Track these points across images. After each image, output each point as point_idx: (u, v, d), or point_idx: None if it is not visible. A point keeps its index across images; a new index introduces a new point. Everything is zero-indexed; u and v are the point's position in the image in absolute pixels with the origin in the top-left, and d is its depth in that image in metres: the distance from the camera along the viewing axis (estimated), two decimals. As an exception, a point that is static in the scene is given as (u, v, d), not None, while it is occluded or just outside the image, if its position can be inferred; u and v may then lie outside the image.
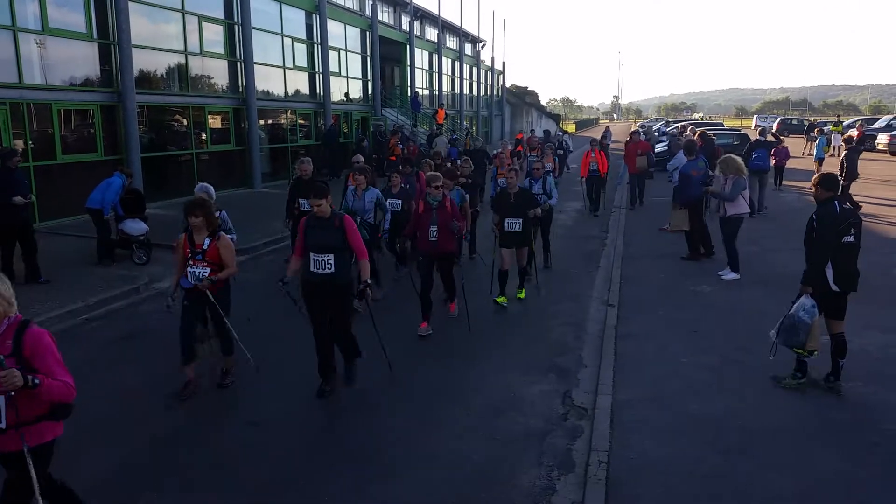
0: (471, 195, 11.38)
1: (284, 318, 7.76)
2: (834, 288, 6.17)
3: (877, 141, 33.61)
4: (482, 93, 52.75)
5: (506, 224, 8.95)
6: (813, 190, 6.40)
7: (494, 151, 19.38)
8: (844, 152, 16.02)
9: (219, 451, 5.40)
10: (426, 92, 39.57)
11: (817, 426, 5.63)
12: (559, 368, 7.07)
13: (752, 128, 55.07)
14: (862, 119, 46.96)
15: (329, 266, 6.05)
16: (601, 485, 4.80)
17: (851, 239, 6.15)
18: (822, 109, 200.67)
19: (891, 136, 33.44)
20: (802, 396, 6.18)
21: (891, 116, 45.60)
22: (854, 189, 17.53)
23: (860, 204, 15.80)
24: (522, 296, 9.53)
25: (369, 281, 6.15)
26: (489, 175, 15.10)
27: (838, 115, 47.90)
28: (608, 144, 26.36)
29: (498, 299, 9.15)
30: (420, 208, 8.04)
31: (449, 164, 13.13)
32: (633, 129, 20.23)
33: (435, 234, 7.88)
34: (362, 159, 11.50)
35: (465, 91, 48.01)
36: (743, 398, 6.18)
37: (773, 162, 18.21)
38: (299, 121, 25.48)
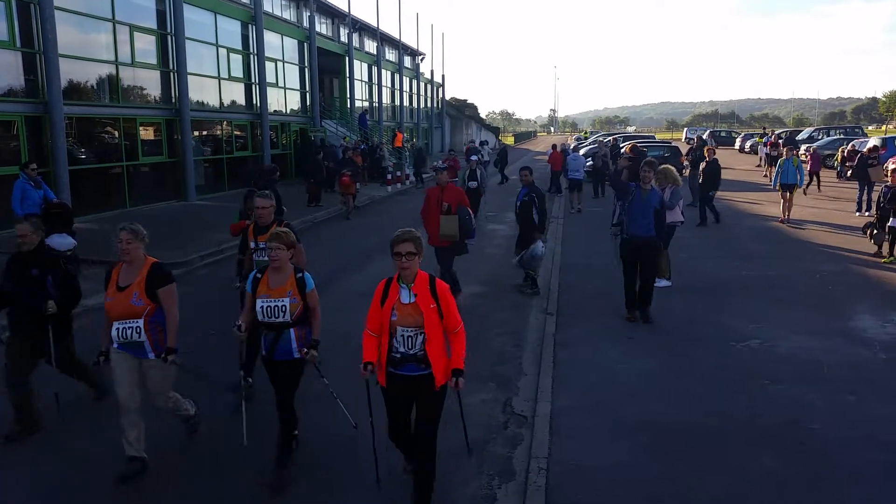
0: None
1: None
2: None
3: (800, 152, 35.00)
4: (422, 105, 52.99)
5: None
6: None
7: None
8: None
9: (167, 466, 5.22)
10: (366, 104, 39.49)
11: (750, 428, 5.79)
12: (499, 377, 7.11)
13: (683, 140, 56.90)
14: (787, 131, 48.95)
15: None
16: (541, 492, 4.83)
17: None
18: (750, 122, 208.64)
19: (813, 147, 34.88)
20: (736, 400, 6.37)
21: (812, 129, 47.70)
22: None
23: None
24: None
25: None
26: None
27: (764, 128, 49.90)
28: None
29: None
30: None
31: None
32: (443, 160, 13.36)
33: None
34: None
35: (405, 103, 48.12)
36: (678, 403, 6.33)
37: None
38: (235, 132, 25.06)
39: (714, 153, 17.48)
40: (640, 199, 8.51)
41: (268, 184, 11.72)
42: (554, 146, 24.52)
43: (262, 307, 4.93)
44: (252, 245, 6.69)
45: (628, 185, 8.85)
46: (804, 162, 21.47)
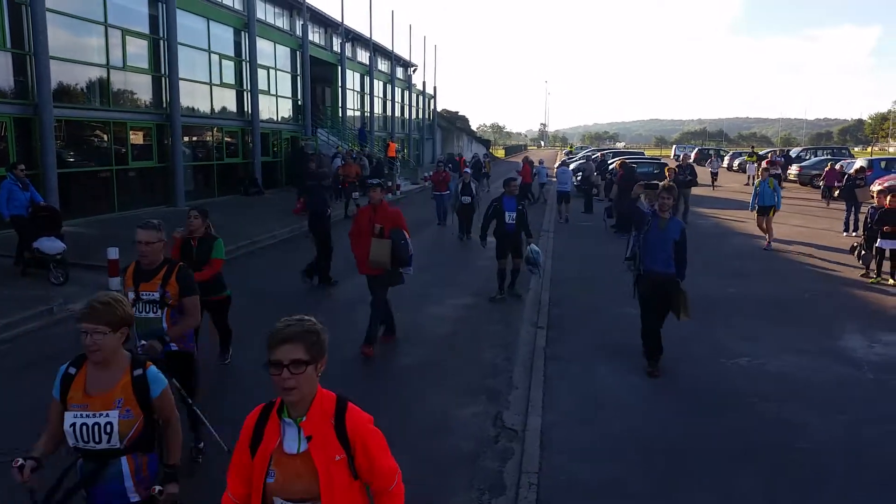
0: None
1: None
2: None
3: (788, 171, 35.40)
4: (413, 116, 53.07)
5: None
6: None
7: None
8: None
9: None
10: (357, 114, 39.51)
11: (738, 445, 5.79)
12: (490, 390, 7.08)
13: (672, 157, 57.30)
14: (773, 150, 49.55)
15: None
16: (532, 507, 4.80)
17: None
18: (738, 140, 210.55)
19: (800, 167, 35.34)
20: (725, 417, 6.37)
21: (799, 149, 48.21)
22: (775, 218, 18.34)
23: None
24: None
25: None
26: None
27: (752, 146, 50.33)
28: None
29: None
30: None
31: None
32: (372, 181, 8.81)
33: None
34: None
35: (397, 114, 48.20)
36: (667, 419, 6.32)
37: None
38: (226, 138, 24.98)
39: (676, 172, 17.45)
40: (657, 228, 7.35)
41: (315, 188, 12.18)
42: (524, 160, 25.65)
43: (73, 425, 2.99)
44: (130, 296, 4.79)
45: (644, 214, 7.65)
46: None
